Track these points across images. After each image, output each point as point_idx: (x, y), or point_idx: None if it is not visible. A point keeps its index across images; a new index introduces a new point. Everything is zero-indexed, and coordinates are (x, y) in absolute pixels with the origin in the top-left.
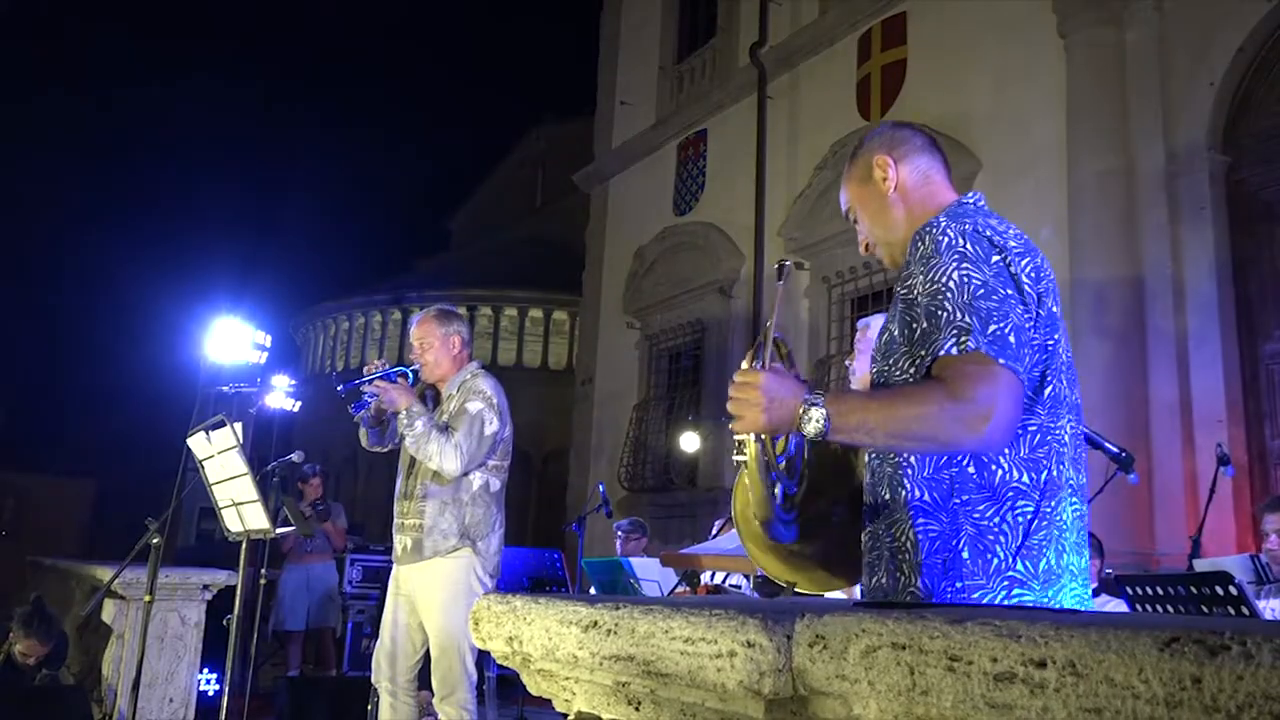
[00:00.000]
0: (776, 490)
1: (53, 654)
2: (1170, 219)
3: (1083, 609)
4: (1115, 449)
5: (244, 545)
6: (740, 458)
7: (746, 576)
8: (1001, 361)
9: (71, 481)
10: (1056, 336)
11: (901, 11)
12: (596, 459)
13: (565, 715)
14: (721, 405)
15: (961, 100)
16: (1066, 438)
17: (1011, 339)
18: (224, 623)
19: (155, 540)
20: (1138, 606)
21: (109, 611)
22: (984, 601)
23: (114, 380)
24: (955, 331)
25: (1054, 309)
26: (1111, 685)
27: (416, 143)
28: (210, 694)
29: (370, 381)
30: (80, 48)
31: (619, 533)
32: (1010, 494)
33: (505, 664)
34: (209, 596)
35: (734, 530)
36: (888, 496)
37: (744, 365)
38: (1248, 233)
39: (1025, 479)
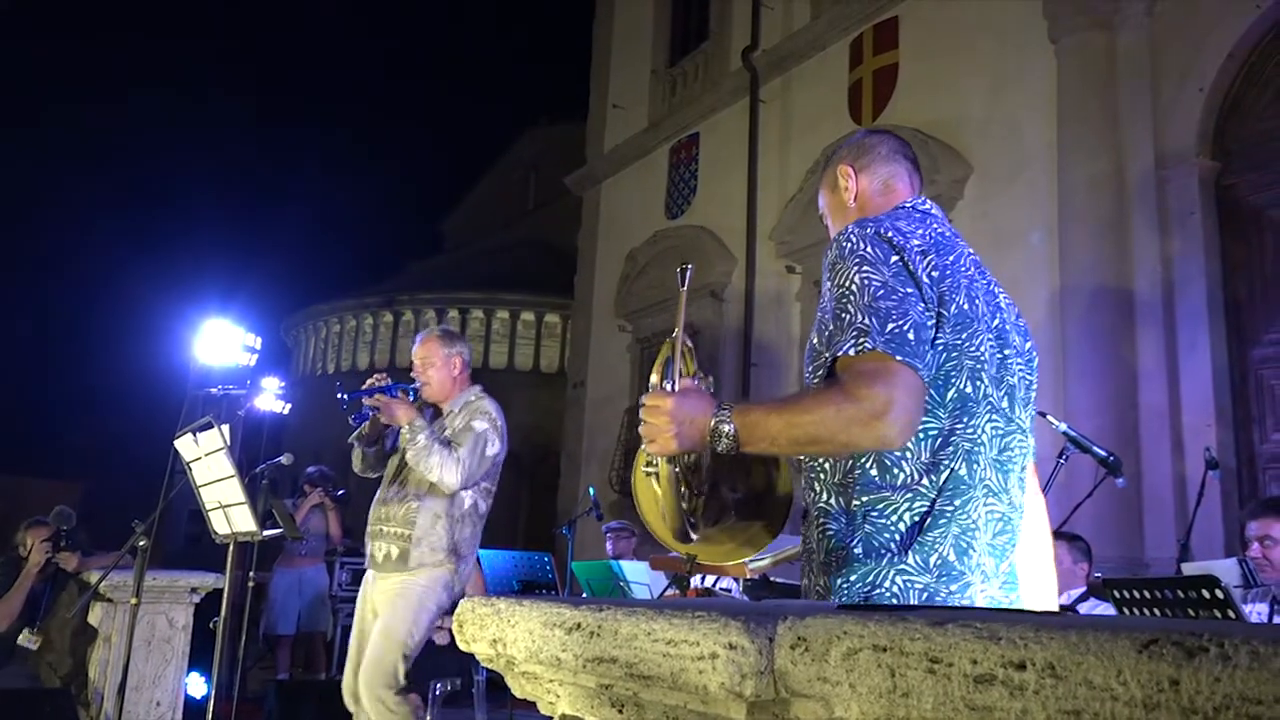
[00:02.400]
0: (684, 504)
1: (59, 536)
2: (1160, 224)
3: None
4: (1104, 452)
5: (231, 548)
6: (650, 469)
7: (736, 580)
8: (899, 359)
9: (59, 484)
10: (964, 336)
11: (893, 16)
12: (588, 462)
13: (550, 718)
14: None
15: (953, 105)
16: (985, 438)
17: (910, 336)
18: (210, 625)
19: (142, 543)
20: (1125, 610)
21: (96, 614)
22: (878, 582)
23: (102, 382)
24: (855, 333)
25: (966, 306)
26: (1090, 687)
27: (410, 145)
28: (198, 697)
29: (372, 395)
30: (74, 51)
31: (608, 533)
32: (909, 496)
33: (490, 666)
34: (197, 599)
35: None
36: (806, 503)
37: (653, 379)
38: (1237, 238)
39: (926, 481)
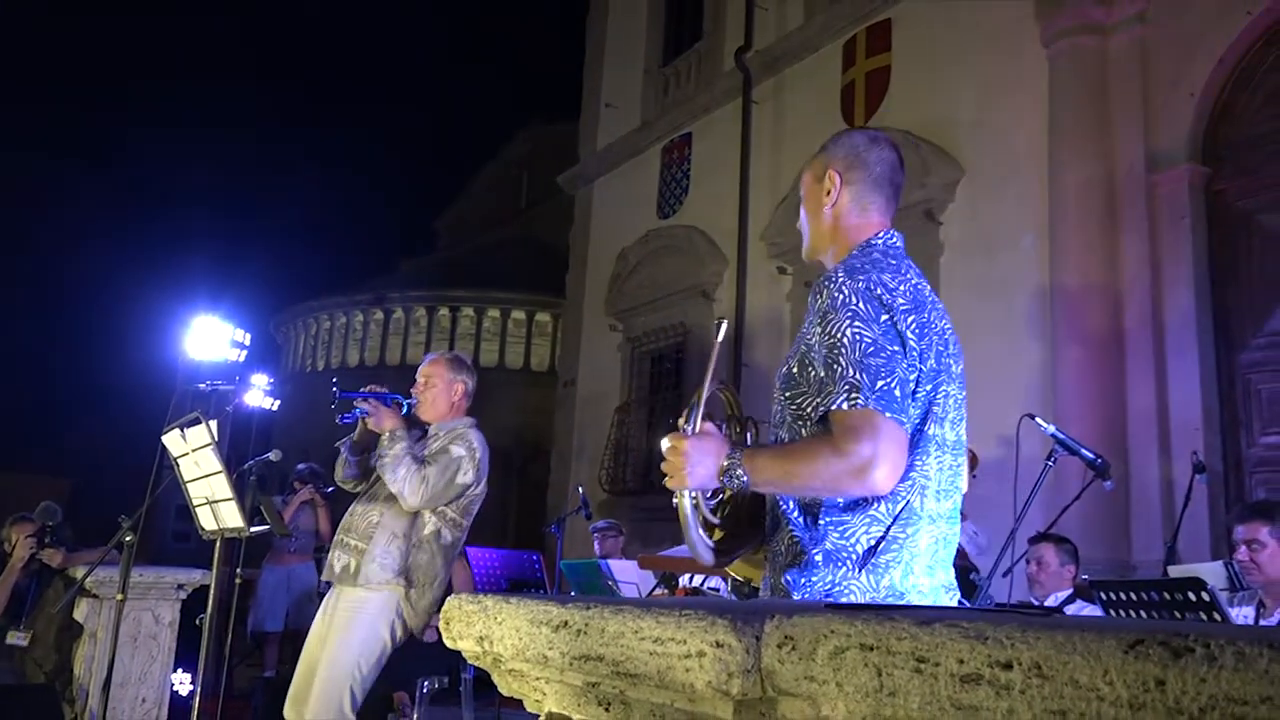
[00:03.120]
0: (702, 534)
1: (44, 531)
2: (1150, 228)
3: None
4: (1092, 455)
5: (218, 544)
6: (675, 501)
7: (724, 579)
8: (887, 415)
9: (46, 480)
10: (929, 387)
11: (886, 18)
12: (578, 461)
13: (536, 716)
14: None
15: (945, 107)
16: (932, 472)
17: (897, 393)
18: (196, 622)
19: (128, 538)
20: (1112, 612)
21: (81, 610)
22: (838, 581)
23: (91, 378)
24: (847, 387)
25: (934, 363)
26: (1076, 687)
27: (402, 144)
28: (184, 694)
29: (366, 398)
30: (66, 50)
31: (595, 533)
32: (866, 520)
33: (476, 664)
34: (183, 595)
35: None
36: (777, 513)
37: (681, 421)
38: (1226, 243)
39: (883, 509)
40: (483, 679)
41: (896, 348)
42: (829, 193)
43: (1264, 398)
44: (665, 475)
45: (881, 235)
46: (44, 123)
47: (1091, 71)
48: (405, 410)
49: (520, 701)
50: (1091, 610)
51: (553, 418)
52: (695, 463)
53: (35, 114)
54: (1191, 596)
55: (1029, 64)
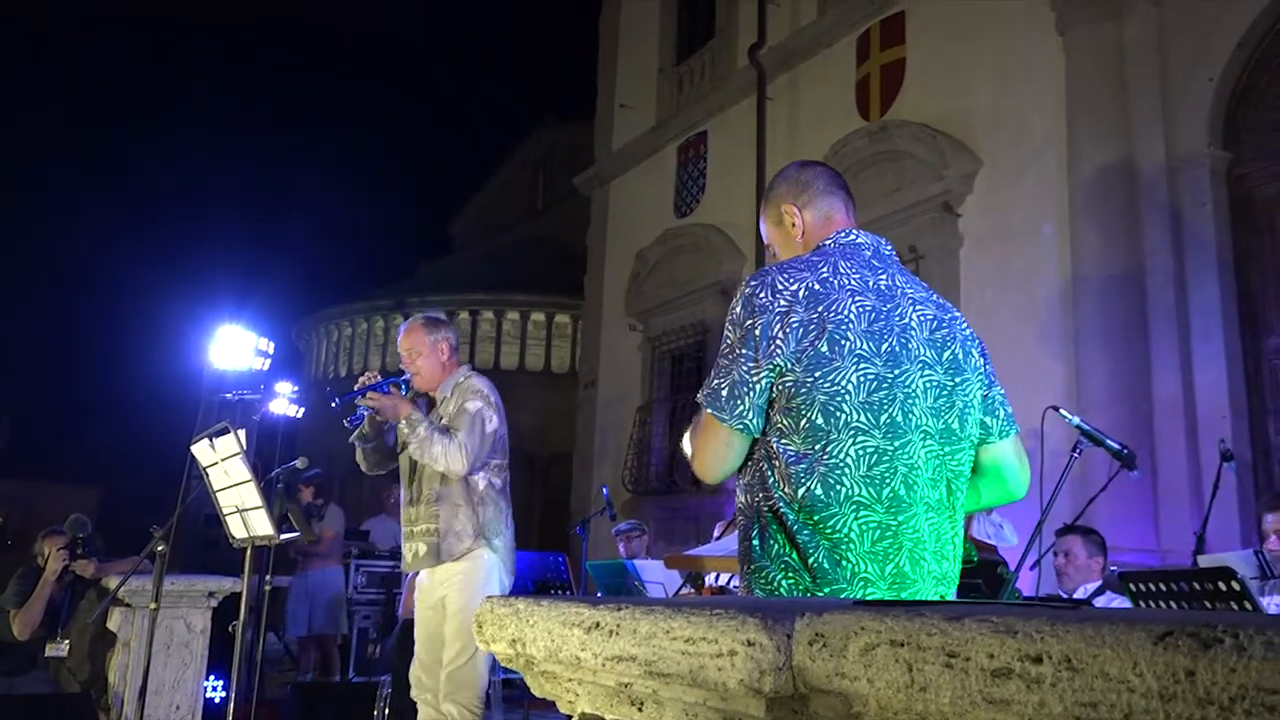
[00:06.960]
0: None
1: (75, 544)
2: (1171, 215)
3: None
4: (1117, 445)
5: (248, 551)
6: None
7: None
8: (709, 411)
9: (76, 490)
10: (817, 375)
11: (900, 10)
12: (600, 462)
13: (569, 717)
14: None
15: (961, 98)
16: (849, 460)
17: (724, 392)
18: (229, 629)
19: (160, 548)
20: (1141, 603)
21: (115, 619)
22: (770, 578)
23: (118, 389)
24: (704, 385)
25: (825, 349)
26: (1106, 679)
27: (417, 148)
28: (217, 700)
29: (364, 394)
30: (86, 58)
31: (618, 536)
32: (853, 506)
33: (509, 666)
34: (214, 603)
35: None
36: (755, 525)
37: None
38: (1249, 228)
39: (866, 493)
40: (511, 682)
41: (746, 351)
42: (793, 225)
43: None
44: None
45: (835, 235)
46: (68, 136)
47: (1108, 58)
48: (405, 389)
49: (549, 704)
50: (1121, 602)
51: (574, 419)
52: None
53: (60, 127)
54: (1222, 586)
55: (1045, 52)
